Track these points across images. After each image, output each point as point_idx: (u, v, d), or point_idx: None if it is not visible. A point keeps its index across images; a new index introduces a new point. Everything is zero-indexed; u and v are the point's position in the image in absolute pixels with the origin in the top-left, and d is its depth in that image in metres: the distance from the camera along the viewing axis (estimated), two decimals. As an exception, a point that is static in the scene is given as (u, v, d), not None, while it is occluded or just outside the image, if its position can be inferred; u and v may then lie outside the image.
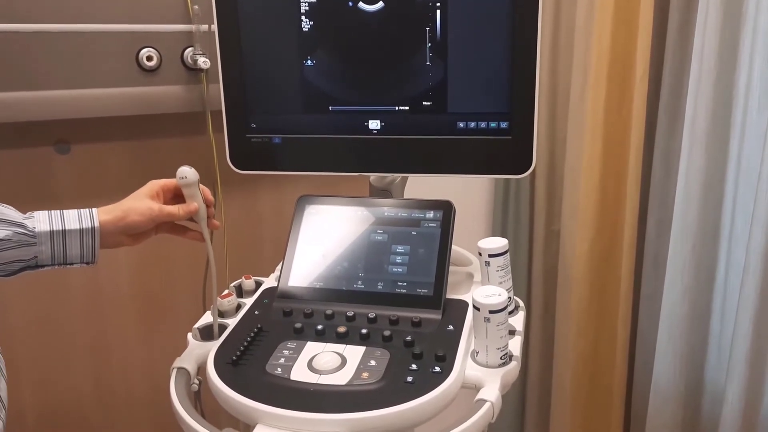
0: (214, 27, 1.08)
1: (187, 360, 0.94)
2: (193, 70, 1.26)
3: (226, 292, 1.05)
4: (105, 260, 1.33)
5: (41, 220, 0.83)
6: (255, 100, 1.11)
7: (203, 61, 1.23)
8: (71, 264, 0.85)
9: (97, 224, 0.85)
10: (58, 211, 0.85)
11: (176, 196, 0.95)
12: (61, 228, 0.83)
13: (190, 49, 1.25)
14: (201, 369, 0.94)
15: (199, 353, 0.95)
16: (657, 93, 1.43)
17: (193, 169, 0.92)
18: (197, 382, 0.94)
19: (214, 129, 1.29)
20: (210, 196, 0.96)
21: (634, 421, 1.59)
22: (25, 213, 0.83)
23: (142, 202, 0.89)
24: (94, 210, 0.86)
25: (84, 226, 0.84)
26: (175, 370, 0.92)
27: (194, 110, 1.29)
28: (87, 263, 0.86)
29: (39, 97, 1.17)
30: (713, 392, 1.37)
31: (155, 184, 0.93)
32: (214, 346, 0.93)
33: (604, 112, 1.46)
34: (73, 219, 0.84)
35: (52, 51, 1.16)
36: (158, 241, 1.37)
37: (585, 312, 1.58)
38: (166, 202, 0.93)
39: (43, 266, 0.84)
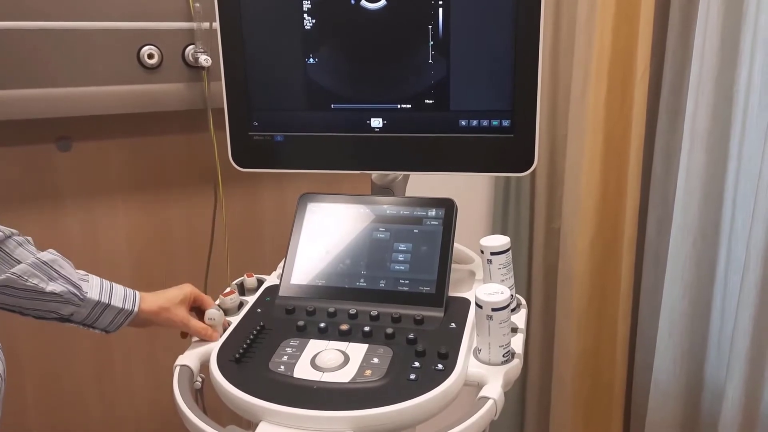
0: (216, 25, 1.08)
1: (189, 358, 0.94)
2: (195, 68, 1.26)
3: (228, 289, 1.05)
4: (107, 258, 1.34)
5: (93, 287, 0.89)
6: (257, 98, 1.11)
7: (204, 59, 1.23)
8: (94, 329, 0.92)
9: (136, 309, 0.92)
10: (109, 283, 0.91)
11: (197, 308, 1.02)
12: (106, 302, 0.89)
13: (191, 46, 1.25)
14: (203, 367, 0.94)
15: (201, 351, 0.95)
16: (658, 91, 1.43)
17: (221, 311, 0.99)
18: (200, 379, 0.94)
19: (216, 126, 1.29)
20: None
21: (634, 417, 1.59)
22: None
23: (179, 311, 0.97)
24: (138, 295, 0.93)
25: (125, 307, 0.91)
26: (177, 368, 0.92)
27: (195, 108, 1.29)
28: (107, 332, 0.92)
29: (41, 94, 1.17)
30: (713, 389, 1.38)
31: (191, 294, 1.00)
32: (216, 344, 0.94)
33: (604, 110, 1.46)
34: (119, 297, 0.91)
35: (54, 48, 1.16)
36: (159, 240, 1.39)
37: (585, 309, 1.58)
38: (191, 307, 1.01)
39: (71, 322, 0.90)
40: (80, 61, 1.18)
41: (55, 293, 0.85)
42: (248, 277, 1.11)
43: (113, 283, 0.92)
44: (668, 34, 1.38)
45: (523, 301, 1.05)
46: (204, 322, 0.98)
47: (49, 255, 0.86)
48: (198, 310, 1.02)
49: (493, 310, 0.85)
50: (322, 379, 0.84)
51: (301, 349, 0.90)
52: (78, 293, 0.87)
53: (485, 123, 1.06)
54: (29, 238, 0.87)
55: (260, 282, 1.11)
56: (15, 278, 0.82)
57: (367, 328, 0.93)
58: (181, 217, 1.40)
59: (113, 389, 1.42)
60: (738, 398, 1.23)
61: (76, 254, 1.29)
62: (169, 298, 0.96)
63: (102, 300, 0.89)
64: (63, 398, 1.37)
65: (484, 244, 0.97)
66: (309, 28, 1.07)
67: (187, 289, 0.99)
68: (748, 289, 1.19)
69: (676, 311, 1.36)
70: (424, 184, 1.21)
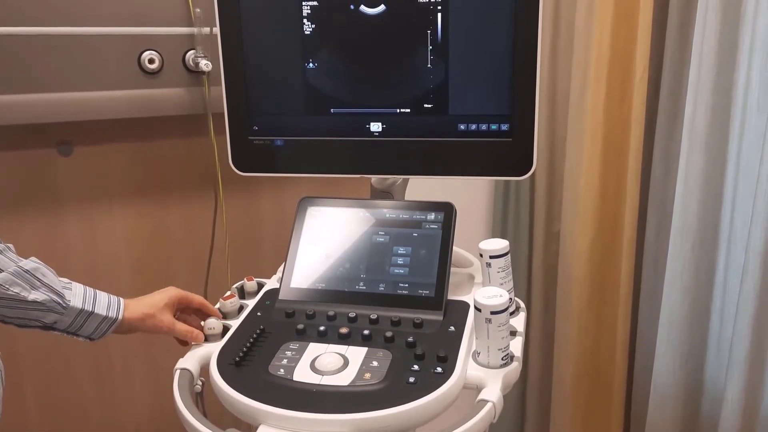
0: (216, 30, 1.09)
1: (189, 361, 0.94)
2: (195, 73, 1.27)
3: (228, 293, 1.06)
4: (106, 261, 1.35)
5: (77, 295, 0.88)
6: (257, 103, 1.12)
7: (205, 64, 1.24)
8: (78, 336, 0.91)
9: (120, 317, 0.91)
10: (93, 290, 0.91)
11: (185, 308, 1.01)
12: (90, 310, 0.89)
13: (191, 51, 1.25)
14: (203, 370, 0.94)
15: (201, 354, 0.96)
16: (656, 93, 1.44)
17: (219, 321, 0.99)
18: (200, 383, 0.95)
19: (216, 131, 1.30)
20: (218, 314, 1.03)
21: (634, 420, 1.59)
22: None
23: (164, 315, 0.96)
24: (122, 303, 0.92)
25: (109, 315, 0.90)
26: (178, 371, 0.92)
27: (196, 112, 1.29)
28: (91, 340, 0.92)
29: (42, 99, 1.17)
30: (713, 391, 1.38)
31: (176, 296, 0.98)
32: (216, 347, 0.94)
33: (603, 113, 1.46)
34: (103, 305, 0.90)
35: (55, 54, 1.16)
36: (160, 244, 1.39)
37: (585, 311, 1.58)
38: (178, 308, 1.00)
39: (54, 330, 0.89)
40: (81, 66, 1.18)
41: (38, 302, 0.84)
42: (248, 280, 1.11)
43: (97, 291, 0.91)
44: (667, 35, 1.39)
45: (522, 305, 1.05)
46: (203, 329, 0.98)
47: (31, 263, 0.85)
48: (186, 310, 1.01)
49: (492, 313, 0.85)
50: (322, 383, 0.85)
51: (300, 352, 0.91)
52: (61, 301, 0.86)
53: (484, 127, 1.07)
54: (10, 245, 0.86)
55: (260, 285, 1.12)
56: None
57: (366, 332, 0.93)
58: (181, 221, 1.40)
59: (113, 392, 1.42)
60: (738, 401, 1.23)
61: (76, 258, 1.31)
62: (153, 304, 0.95)
63: (85, 308, 0.88)
64: (63, 401, 1.37)
65: (483, 248, 0.98)
66: (309, 33, 1.07)
67: (171, 293, 0.98)
68: (748, 292, 1.19)
69: (675, 314, 1.36)
70: (423, 187, 1.21)
